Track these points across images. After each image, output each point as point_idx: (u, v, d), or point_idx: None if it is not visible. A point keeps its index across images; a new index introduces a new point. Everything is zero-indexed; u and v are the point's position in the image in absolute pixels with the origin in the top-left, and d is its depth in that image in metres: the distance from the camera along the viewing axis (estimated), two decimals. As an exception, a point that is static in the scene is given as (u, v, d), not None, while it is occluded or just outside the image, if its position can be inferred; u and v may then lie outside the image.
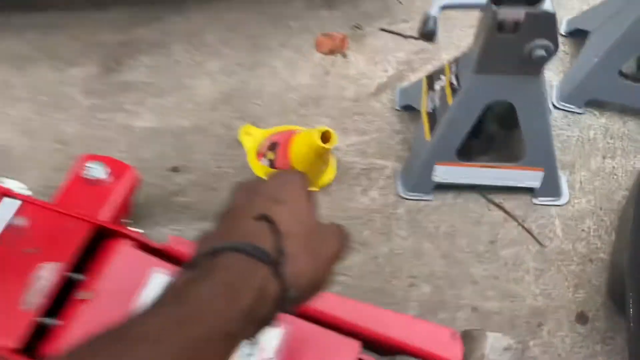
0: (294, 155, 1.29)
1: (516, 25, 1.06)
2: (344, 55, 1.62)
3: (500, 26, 1.07)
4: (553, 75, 1.54)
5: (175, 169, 1.42)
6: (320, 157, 1.27)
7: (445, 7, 1.18)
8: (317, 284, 0.48)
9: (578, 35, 1.58)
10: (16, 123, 1.48)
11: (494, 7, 1.04)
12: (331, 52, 1.63)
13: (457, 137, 1.27)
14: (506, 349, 1.08)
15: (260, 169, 1.37)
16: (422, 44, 1.63)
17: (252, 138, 1.42)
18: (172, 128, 1.48)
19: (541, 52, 1.09)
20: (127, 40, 1.65)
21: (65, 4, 1.73)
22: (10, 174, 1.24)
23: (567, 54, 1.60)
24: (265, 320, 0.44)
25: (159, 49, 1.64)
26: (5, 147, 1.43)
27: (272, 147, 1.35)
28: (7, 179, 1.17)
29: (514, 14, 1.04)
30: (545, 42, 1.08)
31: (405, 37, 1.64)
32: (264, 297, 0.42)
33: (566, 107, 1.49)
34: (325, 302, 0.96)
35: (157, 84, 1.56)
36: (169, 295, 0.42)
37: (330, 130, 1.20)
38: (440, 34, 1.61)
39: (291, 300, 0.44)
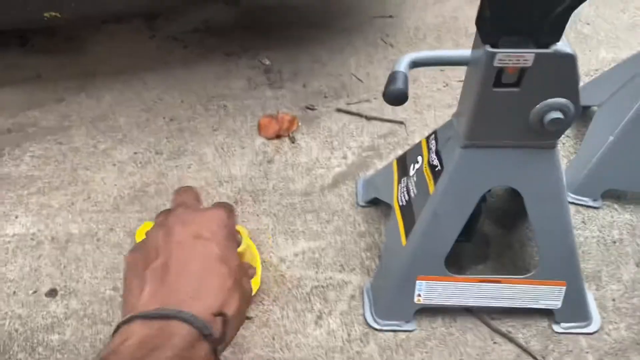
0: None
1: (521, 75, 0.74)
2: (293, 140, 1.28)
3: (498, 78, 0.75)
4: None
5: (51, 293, 1.00)
6: None
7: (417, 63, 0.86)
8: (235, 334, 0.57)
9: (583, 113, 1.29)
10: None
11: (489, 50, 0.73)
12: (277, 136, 1.29)
13: (445, 240, 0.90)
14: None
15: None
16: (389, 126, 1.32)
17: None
18: (56, 235, 1.08)
19: (557, 115, 0.77)
20: (15, 126, 1.30)
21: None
22: None
23: (568, 136, 1.30)
24: None
25: (55, 135, 1.28)
26: None
27: None
28: None
29: (518, 58, 0.72)
30: (563, 101, 0.76)
31: (368, 118, 1.33)
32: None
33: (578, 200, 1.16)
34: None
35: (44, 178, 1.18)
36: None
37: (239, 227, 0.85)
38: (412, 114, 1.31)
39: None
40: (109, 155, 1.24)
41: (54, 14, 1.12)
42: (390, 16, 1.64)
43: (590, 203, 1.16)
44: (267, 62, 1.47)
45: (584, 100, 1.21)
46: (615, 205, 1.16)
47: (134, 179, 1.19)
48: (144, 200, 1.15)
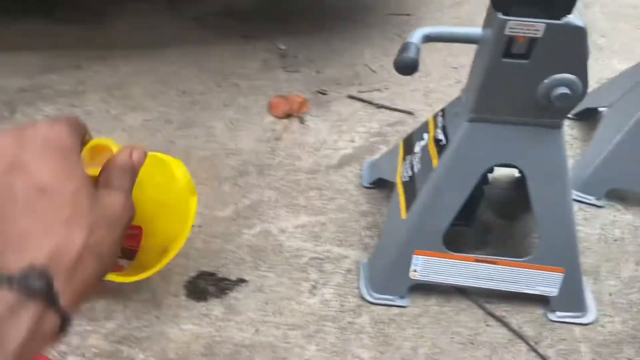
0: None
1: (531, 46, 0.75)
2: (302, 121, 1.30)
3: (508, 47, 0.76)
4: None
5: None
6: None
7: (430, 37, 0.87)
8: (103, 276, 0.41)
9: (588, 116, 1.30)
10: None
11: (500, 16, 0.74)
12: (287, 115, 1.31)
13: (445, 213, 0.90)
14: None
15: None
16: (398, 115, 1.33)
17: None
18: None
19: (565, 90, 0.78)
20: (30, 86, 1.32)
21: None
22: None
23: (576, 138, 1.30)
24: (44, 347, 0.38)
25: (69, 98, 1.30)
26: None
27: None
28: None
29: (529, 27, 0.74)
30: (571, 77, 0.77)
31: (378, 106, 1.34)
32: (37, 335, 0.36)
33: (582, 198, 1.16)
34: None
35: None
36: None
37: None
38: (422, 106, 1.32)
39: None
40: (120, 121, 1.26)
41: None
42: (408, 14, 1.67)
43: (594, 201, 1.15)
44: (283, 47, 1.50)
45: (593, 102, 1.21)
46: (619, 205, 1.15)
47: (143, 144, 1.21)
48: (151, 165, 1.17)
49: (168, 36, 1.53)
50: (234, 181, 1.16)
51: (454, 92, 1.35)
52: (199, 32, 1.56)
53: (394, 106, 1.34)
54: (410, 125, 1.30)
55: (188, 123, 1.27)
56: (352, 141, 1.26)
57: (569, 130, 1.31)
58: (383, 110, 1.34)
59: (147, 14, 1.62)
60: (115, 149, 0.46)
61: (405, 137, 1.07)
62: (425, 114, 1.32)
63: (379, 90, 1.39)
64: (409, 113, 1.33)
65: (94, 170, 0.44)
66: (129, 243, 0.90)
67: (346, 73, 1.44)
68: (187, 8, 1.65)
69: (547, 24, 0.73)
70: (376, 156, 1.22)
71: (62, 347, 0.87)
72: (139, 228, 0.90)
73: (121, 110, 1.28)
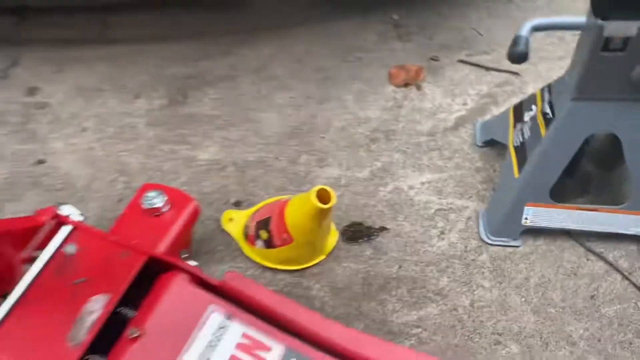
0: (292, 226, 1.13)
1: (625, 43, 0.92)
2: (419, 88, 1.52)
3: (606, 44, 0.93)
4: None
5: (237, 204, 1.33)
6: (322, 221, 1.12)
7: (537, 29, 1.05)
8: None
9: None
10: (81, 153, 1.45)
11: (599, 22, 0.91)
12: (405, 84, 1.53)
13: (551, 174, 1.12)
14: None
15: (256, 253, 1.22)
16: (505, 76, 1.51)
17: (236, 223, 1.27)
18: (236, 161, 1.41)
19: (657, 75, 0.94)
20: (194, 73, 1.63)
21: (134, 37, 1.74)
22: (71, 203, 1.20)
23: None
24: None
25: (226, 82, 1.60)
26: (68, 176, 1.40)
27: (264, 224, 1.18)
28: (64, 205, 1.12)
29: (625, 29, 0.91)
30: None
31: (487, 69, 1.52)
32: None
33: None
34: (393, 353, 0.83)
35: (223, 116, 1.51)
36: None
37: (327, 188, 1.05)
38: (527, 66, 1.49)
39: None
40: (270, 99, 1.54)
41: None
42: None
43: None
44: (396, 17, 1.69)
45: None
46: None
47: (291, 119, 1.49)
48: (301, 136, 1.45)
49: (297, 16, 1.76)
50: (367, 147, 1.42)
51: (556, 50, 1.51)
52: (322, 8, 1.78)
53: (501, 68, 1.52)
54: (516, 86, 1.48)
55: (324, 98, 1.53)
56: (465, 104, 1.47)
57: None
58: (491, 72, 1.52)
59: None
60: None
61: (515, 105, 1.27)
62: (530, 74, 1.49)
63: (486, 52, 1.56)
64: (515, 74, 1.50)
65: None
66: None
67: (455, 38, 1.62)
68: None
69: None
70: (487, 117, 1.42)
71: (262, 281, 1.21)
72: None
73: (270, 91, 1.56)
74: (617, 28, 0.91)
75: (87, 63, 1.66)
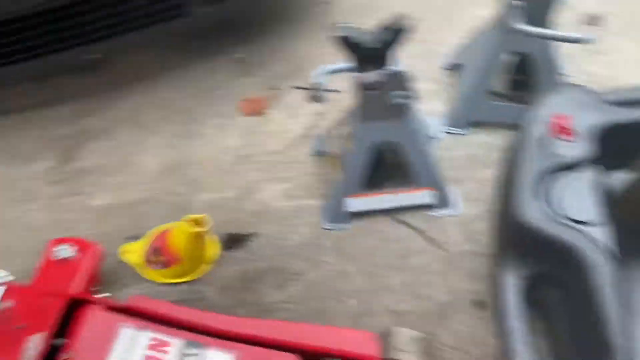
0: (179, 248, 1.49)
1: (379, 84, 1.35)
2: (265, 114, 1.90)
3: (367, 87, 1.35)
4: (441, 106, 1.85)
5: (133, 237, 1.66)
6: (201, 240, 1.49)
7: (331, 72, 1.46)
8: None
9: (457, 69, 1.88)
10: (-9, 219, 1.71)
11: (359, 74, 1.33)
12: (254, 113, 1.90)
13: (359, 173, 1.54)
14: (413, 339, 1.34)
15: (156, 275, 1.54)
16: (332, 96, 1.91)
17: (134, 253, 1.57)
18: (125, 202, 1.73)
19: (401, 101, 1.38)
20: (76, 132, 1.91)
21: (18, 107, 1.98)
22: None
23: (450, 85, 1.90)
24: None
25: (105, 135, 1.89)
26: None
27: (158, 250, 1.51)
28: (-5, 271, 1.40)
29: (375, 76, 1.33)
30: (402, 92, 1.37)
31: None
32: None
33: (452, 130, 1.79)
34: (264, 327, 1.23)
35: (107, 165, 1.82)
36: None
37: (199, 216, 1.43)
38: (344, 84, 1.91)
39: None
40: (145, 144, 1.86)
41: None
42: (326, 2, 2.19)
43: (460, 132, 1.78)
44: (241, 56, 2.04)
45: (457, 60, 1.82)
46: (477, 131, 1.78)
47: (166, 157, 1.82)
48: (176, 171, 1.79)
49: (156, 66, 2.07)
50: (231, 170, 1.78)
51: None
52: (176, 56, 2.09)
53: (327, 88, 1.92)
54: (339, 102, 1.88)
55: (191, 134, 1.87)
56: (302, 123, 1.87)
57: (446, 79, 1.90)
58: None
59: (136, 51, 2.13)
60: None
61: (334, 124, 1.68)
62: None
63: (313, 76, 1.96)
64: (337, 91, 1.91)
65: None
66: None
67: (289, 68, 2.00)
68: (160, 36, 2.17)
69: (383, 73, 1.32)
70: (319, 132, 1.83)
71: (164, 295, 1.55)
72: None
73: (144, 137, 1.87)
74: (370, 76, 1.33)
75: (-23, 137, 1.89)
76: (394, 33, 1.26)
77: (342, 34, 1.25)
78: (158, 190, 1.75)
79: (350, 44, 1.27)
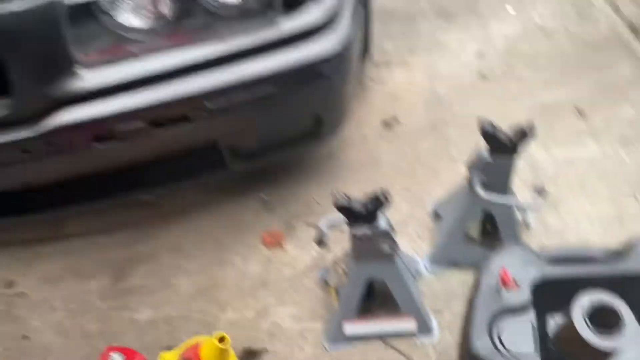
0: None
1: (367, 235, 1.75)
2: (282, 246, 2.31)
3: (358, 237, 1.76)
4: (425, 246, 2.24)
5: (169, 347, 2.01)
6: (225, 354, 1.72)
7: (330, 226, 1.87)
8: None
9: (439, 215, 2.29)
10: (52, 327, 2.10)
11: (351, 229, 1.74)
12: (273, 244, 2.31)
13: (354, 302, 1.91)
14: None
15: None
16: (335, 236, 2.33)
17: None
18: (163, 317, 2.11)
19: (387, 248, 1.78)
20: (128, 255, 2.33)
21: (81, 232, 2.43)
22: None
23: (432, 230, 2.30)
24: None
25: (151, 259, 2.31)
26: (46, 347, 2.03)
27: None
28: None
29: (364, 230, 1.74)
30: (387, 242, 1.76)
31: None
32: None
33: (435, 268, 2.16)
34: None
35: (151, 285, 2.22)
36: None
37: (224, 334, 1.66)
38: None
39: None
40: (185, 268, 2.27)
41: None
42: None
43: (441, 270, 2.15)
44: (265, 197, 2.49)
45: (439, 211, 2.22)
46: (455, 270, 2.15)
47: (199, 281, 2.22)
48: (208, 293, 2.17)
49: (198, 201, 2.52)
50: (252, 294, 2.16)
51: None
52: (213, 195, 2.54)
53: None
54: (343, 239, 2.29)
55: (222, 262, 2.27)
56: (312, 255, 2.26)
57: (430, 224, 2.30)
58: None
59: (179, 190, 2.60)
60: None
61: (334, 261, 2.07)
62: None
63: (323, 215, 2.39)
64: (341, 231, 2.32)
65: None
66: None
67: (303, 207, 2.44)
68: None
69: (370, 229, 1.73)
70: (326, 264, 2.22)
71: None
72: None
73: (182, 261, 2.28)
74: (360, 231, 1.74)
75: (47, 257, 2.33)
76: (377, 202, 1.68)
77: (339, 203, 1.68)
78: (191, 308, 2.13)
79: (344, 209, 1.69)
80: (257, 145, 2.17)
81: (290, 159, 2.55)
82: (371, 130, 2.69)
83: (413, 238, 2.26)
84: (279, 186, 2.53)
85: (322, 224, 1.87)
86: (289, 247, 2.31)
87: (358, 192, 1.77)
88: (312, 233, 2.35)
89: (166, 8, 1.77)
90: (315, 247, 2.28)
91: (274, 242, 2.32)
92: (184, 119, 1.87)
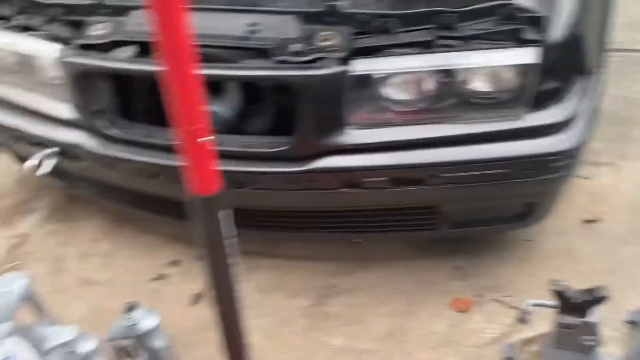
0: None
1: (574, 326, 1.85)
2: (470, 314, 2.45)
3: (564, 326, 1.86)
4: (617, 350, 2.23)
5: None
6: None
7: (535, 305, 2.00)
8: None
9: (635, 324, 2.29)
10: (257, 329, 2.45)
11: (560, 316, 1.85)
12: (460, 311, 2.47)
13: None
14: None
15: None
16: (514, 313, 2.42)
17: None
18: (354, 348, 2.35)
19: (590, 343, 1.85)
20: (330, 284, 2.64)
21: (287, 256, 2.79)
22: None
23: (629, 336, 2.30)
24: None
25: (349, 293, 2.59)
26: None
27: None
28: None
29: (572, 320, 1.84)
30: (592, 337, 1.84)
31: (511, 307, 2.45)
32: None
33: (624, 375, 2.15)
34: None
35: (345, 316, 2.49)
36: None
37: None
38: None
39: None
40: (377, 307, 2.51)
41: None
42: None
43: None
44: (460, 264, 2.67)
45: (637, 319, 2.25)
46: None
47: (385, 326, 2.44)
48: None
49: (395, 254, 2.78)
50: (441, 348, 2.33)
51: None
52: (407, 252, 2.78)
53: (518, 307, 2.44)
54: (534, 325, 2.38)
55: (406, 313, 2.48)
56: (495, 329, 2.38)
57: (625, 329, 2.30)
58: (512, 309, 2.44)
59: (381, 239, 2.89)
60: None
61: (522, 339, 2.17)
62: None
63: (511, 295, 2.49)
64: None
65: None
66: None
67: (493, 282, 2.57)
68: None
69: (583, 319, 1.83)
70: (510, 341, 2.32)
71: None
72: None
73: (381, 299, 2.53)
74: (568, 320, 1.84)
75: (265, 270, 2.72)
76: (595, 296, 1.78)
77: (557, 289, 1.81)
78: (379, 346, 2.35)
79: (561, 296, 1.82)
80: (470, 216, 2.38)
81: (490, 235, 2.71)
82: (571, 224, 2.77)
83: (608, 340, 2.27)
84: (473, 257, 2.69)
85: (528, 303, 2.00)
86: (476, 316, 2.45)
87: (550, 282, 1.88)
88: (500, 308, 2.49)
89: (429, 89, 2.08)
90: (501, 322, 2.42)
91: (463, 307, 2.48)
92: (419, 182, 2.15)
